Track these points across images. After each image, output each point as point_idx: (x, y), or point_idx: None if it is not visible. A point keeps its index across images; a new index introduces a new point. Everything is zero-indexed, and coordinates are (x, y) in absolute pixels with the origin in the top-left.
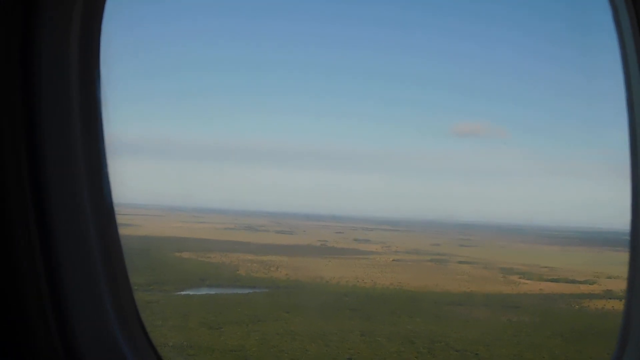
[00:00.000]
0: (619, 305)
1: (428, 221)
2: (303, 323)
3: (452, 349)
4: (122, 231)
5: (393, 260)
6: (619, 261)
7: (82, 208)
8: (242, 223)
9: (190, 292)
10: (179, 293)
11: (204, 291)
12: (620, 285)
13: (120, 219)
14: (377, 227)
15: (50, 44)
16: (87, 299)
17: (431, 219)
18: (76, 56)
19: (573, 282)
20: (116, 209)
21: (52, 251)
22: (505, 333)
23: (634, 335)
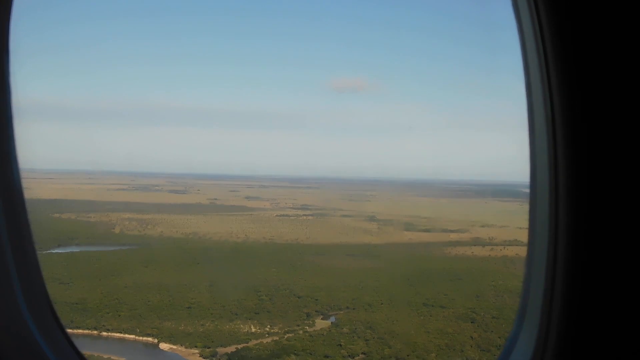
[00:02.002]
0: (478, 251)
1: (331, 178)
2: (156, 276)
3: (294, 296)
4: None
5: (276, 215)
6: (503, 210)
7: None
8: (137, 184)
9: (58, 251)
10: (45, 252)
11: (71, 249)
12: (489, 233)
13: None
14: (274, 185)
15: None
16: None
17: (335, 176)
18: None
19: (446, 231)
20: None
21: None
22: (354, 279)
23: (531, 312)
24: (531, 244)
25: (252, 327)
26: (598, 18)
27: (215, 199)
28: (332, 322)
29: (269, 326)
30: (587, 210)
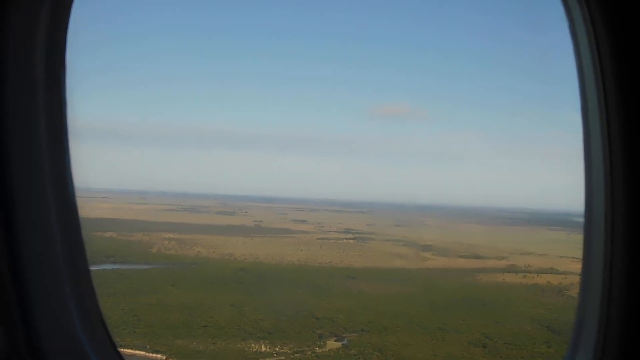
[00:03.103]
0: (511, 278)
1: (382, 203)
2: (182, 295)
3: (312, 317)
4: None
5: (317, 239)
6: (549, 239)
7: (46, 207)
8: (187, 205)
9: (91, 268)
10: None
11: (104, 267)
12: (527, 261)
13: None
14: (323, 209)
15: (16, 45)
16: (51, 295)
17: (386, 202)
18: (42, 57)
19: (484, 258)
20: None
21: (16, 249)
22: (376, 303)
23: (587, 334)
24: (586, 268)
25: (262, 346)
26: None
27: (261, 221)
28: (343, 344)
29: (279, 346)
30: None
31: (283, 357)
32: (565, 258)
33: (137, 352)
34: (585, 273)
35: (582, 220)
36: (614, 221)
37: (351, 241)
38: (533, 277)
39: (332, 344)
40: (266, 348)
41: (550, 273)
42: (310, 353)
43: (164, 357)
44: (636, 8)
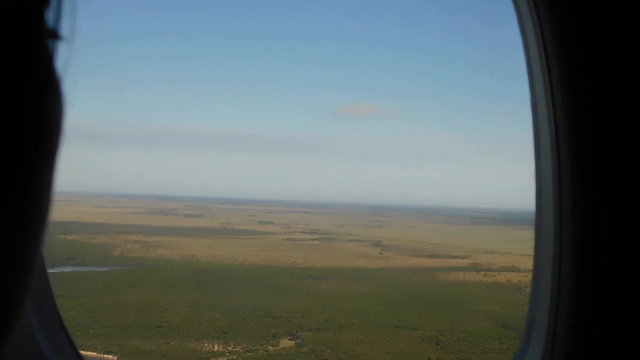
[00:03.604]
0: (472, 276)
1: (350, 204)
2: (139, 296)
3: (268, 316)
4: None
5: (282, 239)
6: (513, 238)
7: None
8: (156, 207)
9: (49, 271)
10: None
11: (62, 269)
12: (490, 259)
13: None
14: (292, 210)
15: None
16: None
17: (355, 202)
18: None
19: (447, 257)
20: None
21: None
22: (336, 302)
23: (538, 330)
24: (536, 262)
25: (216, 346)
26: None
27: (228, 223)
28: (297, 343)
29: (232, 345)
30: (591, 227)
31: (235, 356)
32: (528, 256)
33: (89, 352)
34: (536, 270)
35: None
36: (562, 218)
37: (317, 242)
38: (494, 275)
39: (285, 343)
40: (219, 347)
41: (512, 271)
42: (262, 352)
43: (115, 358)
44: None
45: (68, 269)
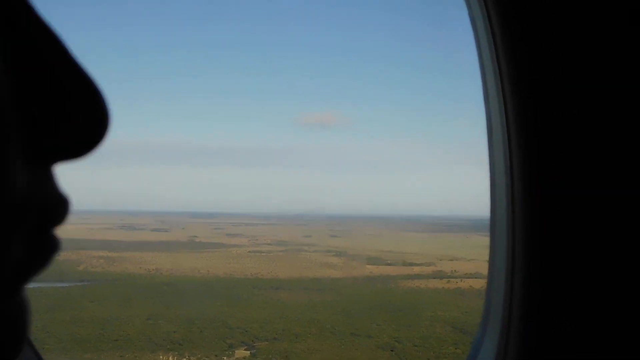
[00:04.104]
0: (435, 283)
1: (320, 215)
2: (98, 311)
3: (226, 327)
4: None
5: (249, 251)
6: (480, 245)
7: None
8: (123, 223)
9: None
10: None
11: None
12: (454, 266)
13: None
14: (261, 223)
15: None
16: None
17: (325, 213)
18: None
19: (411, 265)
20: None
21: None
22: (295, 311)
23: (493, 318)
24: (491, 270)
25: (170, 357)
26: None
27: (195, 237)
28: (251, 353)
29: (187, 356)
30: (542, 223)
31: None
32: None
33: None
34: (490, 274)
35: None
36: (515, 221)
37: (282, 253)
38: (457, 282)
39: (241, 353)
40: (174, 359)
41: (475, 277)
42: None
43: None
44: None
45: (29, 286)
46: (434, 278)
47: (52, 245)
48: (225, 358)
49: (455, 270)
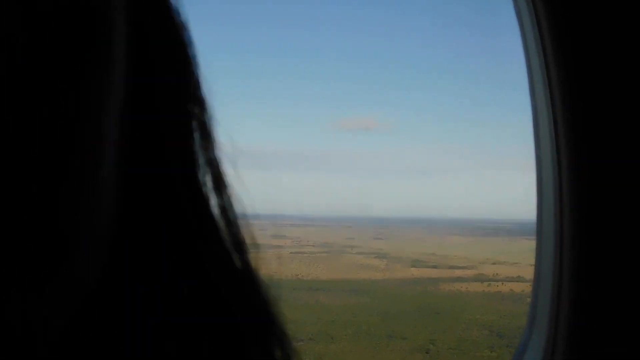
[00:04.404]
0: (475, 287)
1: (365, 217)
2: None
3: None
4: None
5: (291, 252)
6: (525, 248)
7: None
8: None
9: None
10: None
11: None
12: (497, 270)
13: None
14: (306, 224)
15: None
16: None
17: (369, 216)
18: None
19: (453, 267)
20: None
21: None
22: (332, 313)
23: (540, 318)
24: (537, 273)
25: None
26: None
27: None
28: None
29: None
30: (589, 226)
31: None
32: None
33: None
34: (537, 278)
35: None
36: (563, 225)
37: (324, 254)
38: (497, 286)
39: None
40: None
41: (516, 281)
42: None
43: None
44: (581, 8)
45: None
46: (475, 281)
47: None
48: None
49: (497, 274)
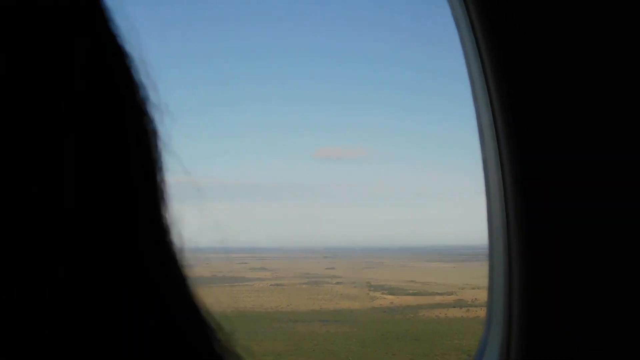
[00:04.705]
0: (454, 312)
1: (347, 248)
2: None
3: None
4: None
5: (270, 285)
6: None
7: None
8: None
9: None
10: None
11: None
12: (476, 295)
13: None
14: (286, 256)
15: None
16: None
17: (351, 246)
18: None
19: (432, 294)
20: None
21: None
22: (310, 343)
23: (496, 317)
24: (490, 295)
25: None
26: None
27: (219, 272)
28: None
29: None
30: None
31: None
32: None
33: None
34: (490, 300)
35: None
36: (510, 246)
37: (305, 285)
38: (476, 311)
39: None
40: None
41: None
42: None
43: None
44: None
45: None
46: (454, 307)
47: None
48: None
49: (476, 299)
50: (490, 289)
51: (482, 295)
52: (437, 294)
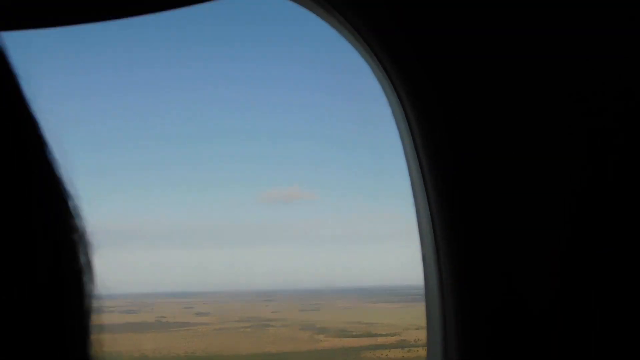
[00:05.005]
0: (396, 353)
1: (292, 290)
2: None
3: None
4: None
5: (214, 329)
6: None
7: None
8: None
9: None
10: None
11: None
12: (418, 335)
13: None
14: (232, 300)
15: None
16: None
17: (297, 288)
18: None
19: (374, 335)
20: None
21: None
22: None
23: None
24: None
25: None
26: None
27: (164, 317)
28: None
29: None
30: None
31: None
32: None
33: None
34: (429, 340)
35: None
36: (443, 287)
37: (249, 329)
38: (417, 351)
39: None
40: None
41: None
42: None
43: None
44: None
45: None
46: (396, 348)
47: None
48: None
49: (418, 339)
50: (428, 326)
51: (424, 335)
52: (381, 335)
